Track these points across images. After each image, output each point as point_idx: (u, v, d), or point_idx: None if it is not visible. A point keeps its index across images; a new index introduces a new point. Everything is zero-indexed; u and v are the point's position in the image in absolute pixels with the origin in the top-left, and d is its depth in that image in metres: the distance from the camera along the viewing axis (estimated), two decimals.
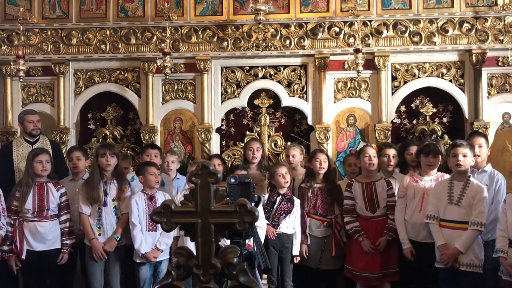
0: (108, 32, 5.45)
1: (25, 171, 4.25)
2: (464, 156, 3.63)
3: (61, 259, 4.17)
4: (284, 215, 4.23)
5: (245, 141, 5.31)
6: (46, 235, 4.10)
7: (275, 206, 4.21)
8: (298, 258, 4.29)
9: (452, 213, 3.63)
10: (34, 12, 5.44)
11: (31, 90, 5.58)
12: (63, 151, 5.19)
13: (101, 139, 5.53)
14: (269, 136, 5.55)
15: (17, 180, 4.54)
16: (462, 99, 5.31)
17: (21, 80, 5.24)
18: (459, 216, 3.61)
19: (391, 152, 4.40)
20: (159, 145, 5.23)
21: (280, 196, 4.27)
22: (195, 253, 1.55)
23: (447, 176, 3.92)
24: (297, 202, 4.34)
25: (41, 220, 4.10)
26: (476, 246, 3.58)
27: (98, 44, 5.46)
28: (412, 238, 3.92)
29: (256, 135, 5.51)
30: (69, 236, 4.20)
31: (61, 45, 5.47)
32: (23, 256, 4.06)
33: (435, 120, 5.43)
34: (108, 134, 5.57)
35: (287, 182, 4.28)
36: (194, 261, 1.51)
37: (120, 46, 5.44)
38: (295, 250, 4.28)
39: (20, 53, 5.10)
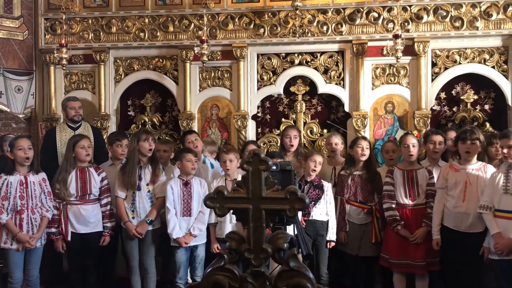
0: (146, 20, 5.53)
1: (64, 158, 4.37)
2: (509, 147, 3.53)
3: (103, 241, 4.31)
4: (313, 202, 4.22)
5: (283, 129, 5.29)
6: (89, 218, 4.23)
7: None
8: (332, 244, 4.27)
9: (508, 203, 3.52)
10: (75, 1, 5.57)
11: (73, 77, 5.73)
12: (104, 137, 5.34)
13: (140, 126, 5.65)
14: (305, 123, 5.54)
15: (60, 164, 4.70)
16: (506, 85, 5.16)
17: (63, 68, 5.38)
18: None
19: (438, 138, 4.30)
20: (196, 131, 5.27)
21: (308, 184, 4.26)
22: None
23: (490, 166, 3.85)
24: (327, 186, 4.31)
25: (84, 204, 4.22)
26: None
27: (137, 32, 5.54)
28: (454, 228, 3.85)
29: (292, 122, 5.51)
30: (109, 219, 4.31)
31: (101, 33, 5.59)
32: (69, 238, 4.21)
33: (476, 107, 5.30)
34: (147, 120, 5.69)
35: (315, 171, 4.26)
36: (246, 245, 1.55)
37: (158, 34, 5.52)
38: (330, 235, 4.26)
39: (63, 41, 5.25)
